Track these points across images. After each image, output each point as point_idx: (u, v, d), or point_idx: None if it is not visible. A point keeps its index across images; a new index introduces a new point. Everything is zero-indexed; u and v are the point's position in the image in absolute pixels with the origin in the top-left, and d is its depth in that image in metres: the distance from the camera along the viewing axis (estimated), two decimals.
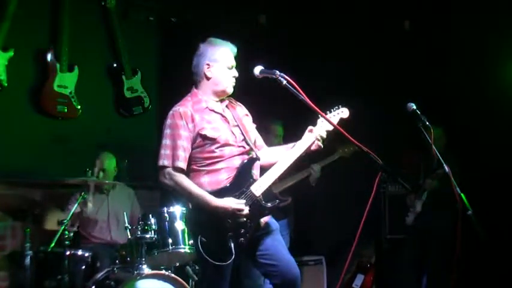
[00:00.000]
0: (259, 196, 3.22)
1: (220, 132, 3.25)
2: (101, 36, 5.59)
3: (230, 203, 3.14)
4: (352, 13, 5.86)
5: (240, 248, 3.19)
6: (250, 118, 3.48)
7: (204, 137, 3.22)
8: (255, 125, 3.52)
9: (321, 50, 5.95)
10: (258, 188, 3.22)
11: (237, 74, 3.34)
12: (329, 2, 5.91)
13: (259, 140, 3.54)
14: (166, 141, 3.24)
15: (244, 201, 3.17)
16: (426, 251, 5.07)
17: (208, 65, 3.30)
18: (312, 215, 5.87)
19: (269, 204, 3.25)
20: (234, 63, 3.34)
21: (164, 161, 3.20)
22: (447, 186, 4.74)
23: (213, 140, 3.23)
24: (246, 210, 3.15)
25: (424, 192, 5.00)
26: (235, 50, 3.35)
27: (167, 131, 3.25)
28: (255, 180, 3.24)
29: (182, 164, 3.19)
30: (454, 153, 4.69)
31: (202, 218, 3.22)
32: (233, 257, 3.13)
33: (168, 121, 3.27)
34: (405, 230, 5.08)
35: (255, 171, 3.30)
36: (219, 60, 3.31)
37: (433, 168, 5.02)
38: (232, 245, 3.14)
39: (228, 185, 3.22)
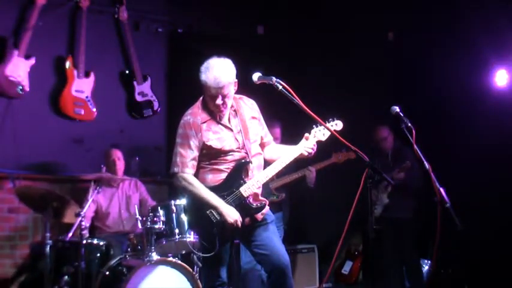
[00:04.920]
0: (248, 197, 3.24)
1: (225, 142, 3.26)
2: (115, 46, 5.57)
3: (235, 213, 3.17)
4: (341, 29, 5.90)
5: (226, 242, 3.25)
6: (257, 119, 3.42)
7: (210, 147, 3.24)
8: (263, 123, 3.47)
9: (313, 59, 5.98)
10: (247, 189, 3.24)
11: (220, 103, 3.18)
12: (321, 18, 5.95)
13: (267, 137, 3.52)
14: (178, 150, 3.26)
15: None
16: (401, 240, 5.09)
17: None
18: (306, 208, 5.87)
19: (255, 205, 3.27)
20: (214, 93, 3.16)
21: (175, 168, 3.25)
22: (410, 179, 4.81)
23: (219, 150, 3.25)
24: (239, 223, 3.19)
25: (388, 186, 5.02)
26: (218, 81, 3.12)
27: (178, 140, 3.28)
28: (245, 182, 3.25)
29: (191, 170, 3.25)
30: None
31: (195, 213, 3.28)
32: (217, 249, 3.17)
33: (180, 130, 3.28)
34: (379, 222, 5.08)
35: (249, 173, 3.29)
36: (204, 89, 3.23)
37: (390, 165, 5.05)
38: (217, 238, 3.18)
39: (219, 184, 3.24)
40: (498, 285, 5.00)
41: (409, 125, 3.12)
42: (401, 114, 3.16)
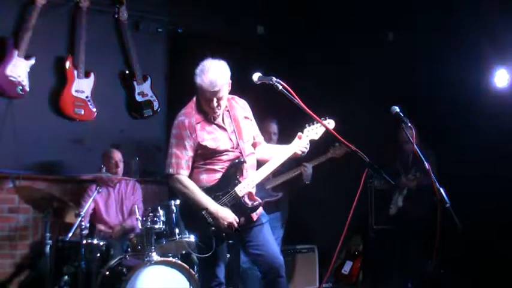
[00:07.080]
0: (243, 196, 3.23)
1: (219, 142, 3.26)
2: (115, 46, 5.57)
3: (230, 216, 3.17)
4: (341, 29, 5.90)
5: (222, 242, 3.26)
6: (249, 119, 3.44)
7: (205, 147, 3.24)
8: (254, 123, 3.49)
9: (313, 59, 5.98)
10: (242, 189, 3.24)
11: (215, 105, 3.20)
12: (321, 18, 5.95)
13: (259, 137, 3.53)
14: (172, 151, 3.27)
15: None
16: (409, 239, 5.09)
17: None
18: (306, 208, 5.87)
19: (250, 204, 3.26)
20: (209, 96, 3.16)
21: (171, 170, 3.26)
22: (425, 183, 4.80)
23: (214, 150, 3.25)
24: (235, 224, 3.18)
25: (404, 188, 5.03)
26: (214, 85, 3.13)
27: (173, 141, 3.28)
28: (239, 182, 3.25)
29: (185, 171, 3.25)
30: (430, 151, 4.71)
31: (190, 214, 3.26)
32: (213, 250, 3.18)
33: (174, 131, 3.28)
34: (391, 222, 5.09)
35: (243, 172, 3.29)
36: (199, 91, 3.23)
37: (409, 166, 5.05)
38: (213, 239, 3.19)
39: (214, 184, 3.24)
40: (498, 285, 4.99)
41: (409, 125, 3.12)
42: (402, 114, 3.16)
